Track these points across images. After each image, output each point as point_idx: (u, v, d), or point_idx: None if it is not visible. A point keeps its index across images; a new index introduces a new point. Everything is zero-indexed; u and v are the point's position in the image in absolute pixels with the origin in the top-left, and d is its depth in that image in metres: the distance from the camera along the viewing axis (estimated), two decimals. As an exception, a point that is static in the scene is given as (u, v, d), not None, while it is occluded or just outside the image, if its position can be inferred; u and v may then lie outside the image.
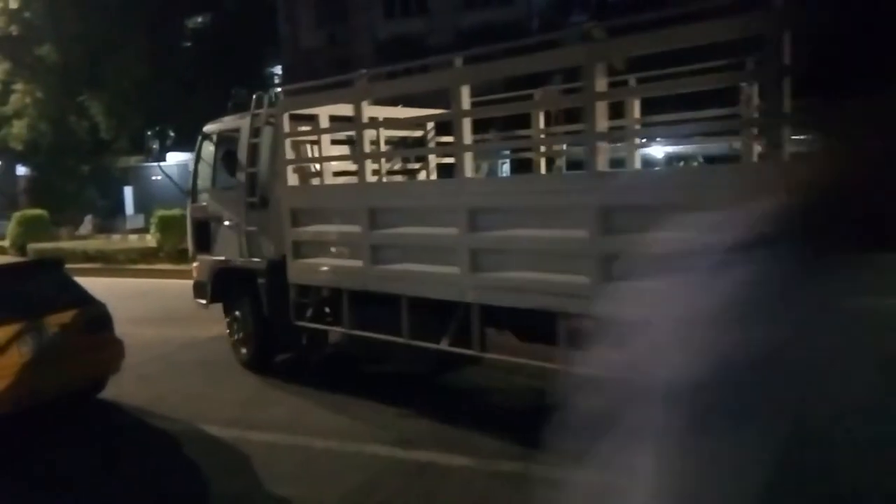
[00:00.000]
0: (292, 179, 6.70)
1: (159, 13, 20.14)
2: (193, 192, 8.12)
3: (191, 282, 8.11)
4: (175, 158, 26.90)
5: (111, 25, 19.26)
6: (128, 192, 28.88)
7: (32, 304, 5.73)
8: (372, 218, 5.83)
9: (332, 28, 26.18)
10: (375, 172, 7.12)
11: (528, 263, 4.90)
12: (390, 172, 7.57)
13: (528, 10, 21.09)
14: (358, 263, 6.01)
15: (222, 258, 7.51)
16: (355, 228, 5.99)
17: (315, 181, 6.92)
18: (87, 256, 16.08)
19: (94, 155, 22.59)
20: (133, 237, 19.60)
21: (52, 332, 5.65)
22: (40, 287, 6.11)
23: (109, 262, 15.82)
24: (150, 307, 10.56)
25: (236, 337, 7.58)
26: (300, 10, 26.65)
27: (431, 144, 7.68)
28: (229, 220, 7.36)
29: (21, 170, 28.08)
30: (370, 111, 6.56)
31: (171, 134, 22.94)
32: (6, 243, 18.49)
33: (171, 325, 9.08)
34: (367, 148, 6.27)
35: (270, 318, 7.01)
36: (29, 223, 19.27)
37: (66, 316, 5.80)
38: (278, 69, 26.52)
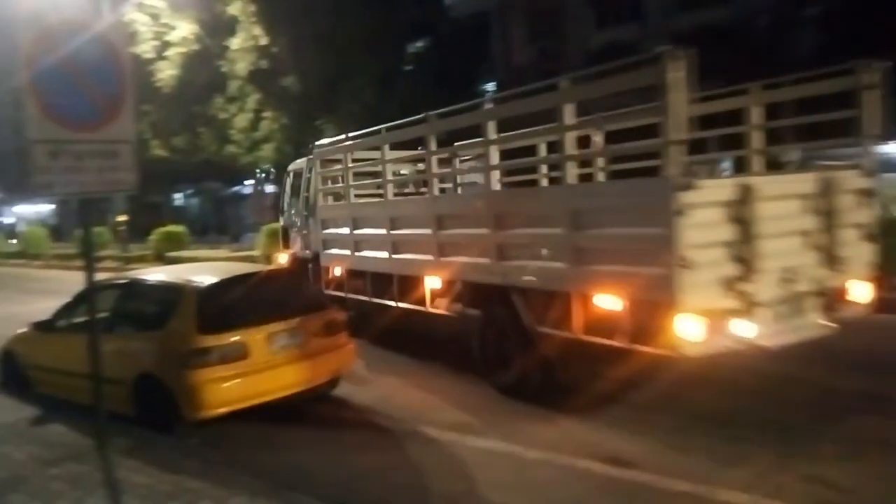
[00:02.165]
0: (323, 201, 10.19)
1: (384, 41, 21.73)
2: (281, 209, 12.32)
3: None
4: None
5: (344, 56, 21.15)
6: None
7: (280, 307, 6.44)
8: (354, 224, 9.16)
9: (543, 42, 26.41)
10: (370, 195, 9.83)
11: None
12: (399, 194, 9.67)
13: (752, 8, 19.62)
14: (348, 252, 9.32)
15: (293, 251, 11.61)
16: (346, 230, 9.33)
17: (333, 202, 10.10)
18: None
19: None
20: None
21: (295, 332, 6.31)
22: (286, 292, 6.88)
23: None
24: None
25: None
26: (512, 28, 27.25)
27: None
28: (296, 227, 11.49)
29: (268, 188, 31.68)
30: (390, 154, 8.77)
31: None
32: (257, 253, 20.94)
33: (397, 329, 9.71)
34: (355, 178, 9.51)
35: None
36: (274, 235, 21.67)
37: (307, 319, 6.44)
38: (491, 86, 27.29)
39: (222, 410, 5.83)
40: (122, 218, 27.65)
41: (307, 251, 10.90)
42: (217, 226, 35.52)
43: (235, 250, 23.39)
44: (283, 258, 12.01)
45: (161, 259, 20.88)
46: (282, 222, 12.25)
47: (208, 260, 17.68)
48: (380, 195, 9.00)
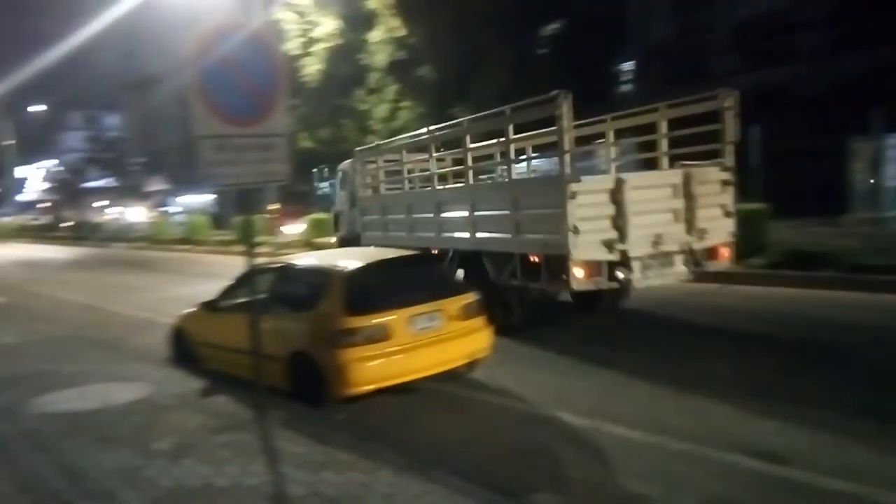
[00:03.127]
0: (363, 192, 12.63)
1: (518, 26, 21.61)
2: (334, 200, 15.21)
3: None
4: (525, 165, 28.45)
5: (477, 42, 21.25)
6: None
7: (420, 290, 6.65)
8: (383, 210, 11.71)
9: (684, 16, 25.13)
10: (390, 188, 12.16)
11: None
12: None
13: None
14: (380, 232, 11.61)
15: (342, 233, 14.12)
16: (378, 216, 11.85)
17: (370, 194, 12.53)
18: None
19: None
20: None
21: (435, 315, 6.50)
22: (426, 276, 7.09)
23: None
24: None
25: None
26: (652, 2, 26.12)
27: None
28: (344, 214, 14.05)
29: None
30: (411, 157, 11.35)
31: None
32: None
33: (538, 314, 9.75)
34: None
35: None
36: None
37: (446, 302, 6.62)
38: (629, 65, 26.41)
39: (367, 388, 6.13)
40: (274, 206, 29.43)
41: (352, 232, 13.29)
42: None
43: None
44: (333, 239, 15.11)
45: (309, 245, 22.05)
46: (332, 211, 15.34)
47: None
48: (400, 188, 11.59)
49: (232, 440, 5.44)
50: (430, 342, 6.39)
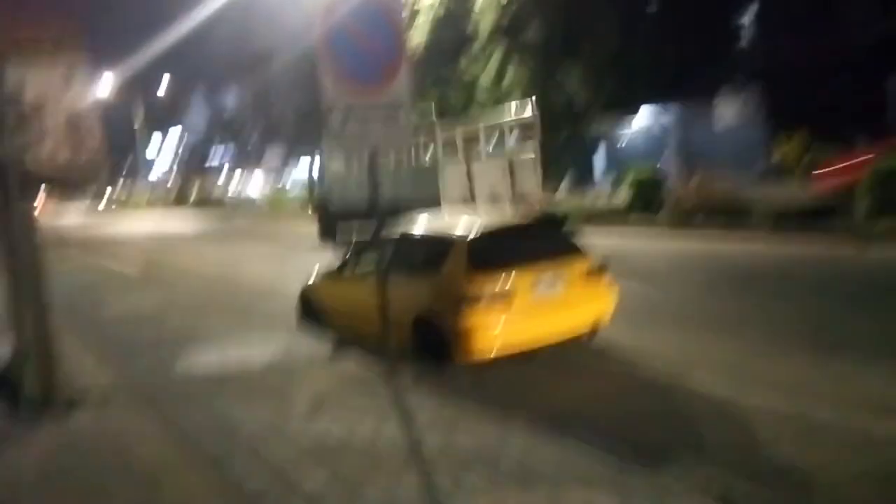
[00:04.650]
0: (331, 170, 18.98)
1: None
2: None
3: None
4: (639, 123, 27.48)
5: (584, 4, 20.57)
6: (597, 156, 30.67)
7: (543, 256, 6.56)
8: (342, 183, 18.12)
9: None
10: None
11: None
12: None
13: None
14: (340, 199, 17.38)
15: (314, 200, 18.42)
16: (340, 187, 17.97)
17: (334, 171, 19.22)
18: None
19: (570, 123, 24.53)
20: (602, 197, 20.71)
21: (558, 279, 6.42)
22: (549, 242, 6.99)
23: (587, 221, 17.08)
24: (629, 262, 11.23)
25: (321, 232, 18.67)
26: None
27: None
28: (316, 185, 19.01)
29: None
30: None
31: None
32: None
33: (648, 280, 9.47)
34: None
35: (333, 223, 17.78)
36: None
37: (569, 266, 6.52)
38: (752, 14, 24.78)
39: (490, 353, 6.15)
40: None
41: (321, 199, 18.61)
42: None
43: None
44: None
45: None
46: (308, 184, 21.49)
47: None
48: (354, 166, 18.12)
49: (363, 400, 5.62)
50: (553, 307, 6.33)
